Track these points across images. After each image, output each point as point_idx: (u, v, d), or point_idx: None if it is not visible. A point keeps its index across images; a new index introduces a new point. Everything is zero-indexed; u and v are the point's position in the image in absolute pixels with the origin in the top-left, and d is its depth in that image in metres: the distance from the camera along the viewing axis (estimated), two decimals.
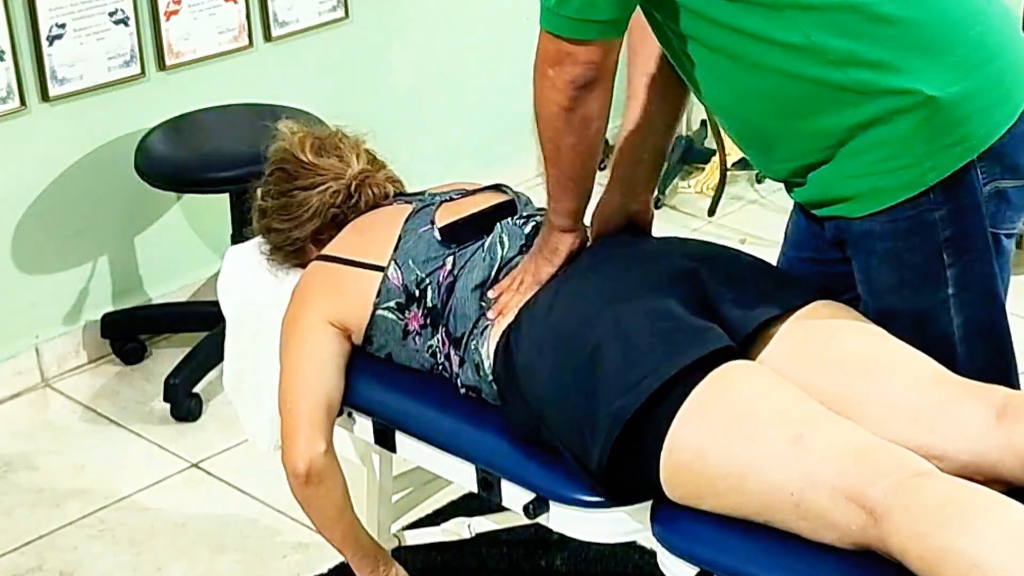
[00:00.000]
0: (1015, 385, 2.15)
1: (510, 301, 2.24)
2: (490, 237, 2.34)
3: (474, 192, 2.50)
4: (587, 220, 2.34)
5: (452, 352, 2.29)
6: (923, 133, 2.02)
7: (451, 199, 2.47)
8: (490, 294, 2.27)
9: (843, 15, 1.99)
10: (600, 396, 2.03)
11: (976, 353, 2.13)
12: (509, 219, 2.38)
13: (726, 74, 2.09)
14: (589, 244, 2.30)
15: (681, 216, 4.37)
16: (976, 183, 2.06)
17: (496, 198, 2.47)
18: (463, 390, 2.29)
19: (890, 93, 2.01)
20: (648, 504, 2.09)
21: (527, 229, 2.35)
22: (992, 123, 2.05)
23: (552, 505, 2.16)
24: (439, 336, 2.31)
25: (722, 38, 2.05)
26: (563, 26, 2.03)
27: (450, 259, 2.33)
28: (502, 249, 2.32)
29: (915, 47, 2.01)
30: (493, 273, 2.29)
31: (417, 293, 2.33)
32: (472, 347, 2.25)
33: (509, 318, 2.22)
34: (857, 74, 2.01)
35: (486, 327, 2.24)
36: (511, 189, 2.51)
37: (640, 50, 2.30)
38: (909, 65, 2.00)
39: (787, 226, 2.39)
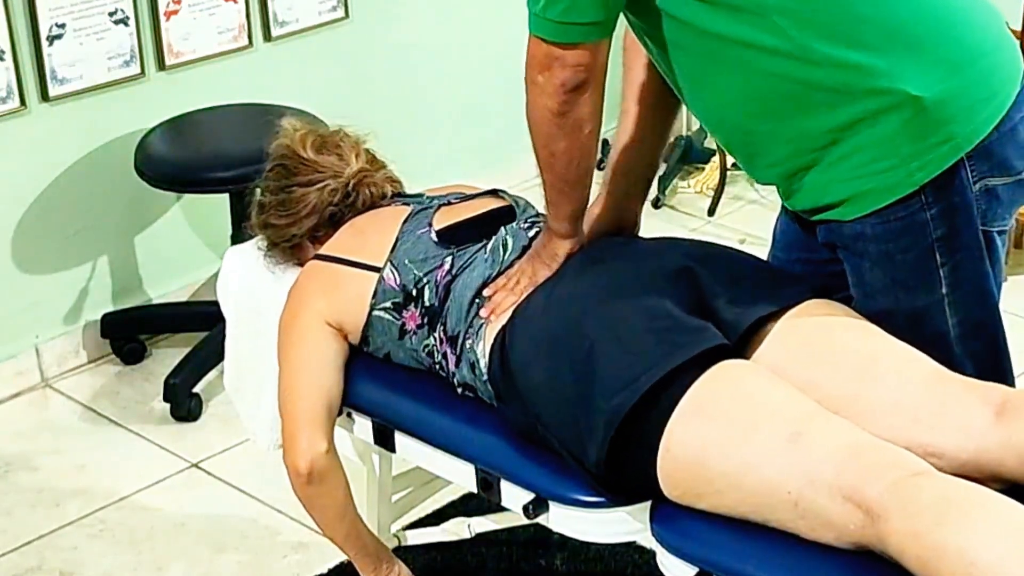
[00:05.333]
0: (1010, 382, 2.16)
1: (504, 300, 2.24)
2: (494, 239, 2.35)
3: (472, 196, 2.50)
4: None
5: (449, 351, 2.29)
6: (908, 133, 2.02)
7: (449, 203, 2.47)
8: (486, 292, 2.27)
9: (825, 16, 2.00)
10: (596, 394, 2.03)
11: (971, 351, 2.14)
12: (514, 223, 2.39)
13: (710, 79, 2.09)
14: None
15: (681, 216, 4.37)
16: (966, 182, 2.06)
17: (494, 203, 2.47)
18: (460, 389, 2.30)
19: (873, 93, 2.01)
20: (648, 504, 2.09)
21: (531, 233, 2.36)
22: (978, 121, 2.05)
23: (551, 505, 2.16)
24: (436, 335, 2.31)
25: (705, 43, 2.05)
26: (550, 30, 2.03)
27: (449, 259, 2.34)
28: (505, 251, 2.33)
29: (898, 47, 2.01)
30: (495, 273, 2.30)
31: (415, 292, 2.33)
32: (467, 346, 2.25)
33: (504, 318, 2.22)
34: (840, 75, 2.01)
35: (481, 326, 2.25)
36: (509, 194, 2.51)
37: (633, 65, 2.32)
38: (892, 65, 2.01)
39: (774, 228, 2.39)
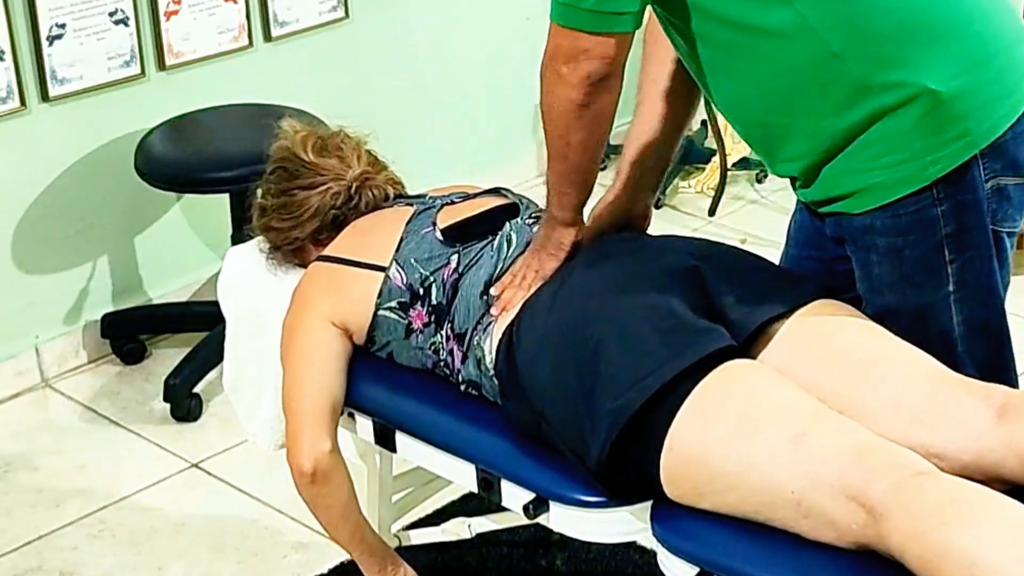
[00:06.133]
0: (1013, 383, 2.16)
1: (513, 297, 2.24)
2: (499, 235, 2.35)
3: (475, 195, 2.50)
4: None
5: (455, 348, 2.29)
6: (923, 128, 2.02)
7: (452, 202, 2.47)
8: (492, 291, 2.27)
9: (846, 8, 2.00)
10: (601, 393, 2.03)
11: (976, 351, 2.14)
12: (518, 218, 2.39)
13: (732, 70, 2.10)
14: (589, 241, 2.31)
15: (681, 216, 4.37)
16: (978, 180, 2.06)
17: (497, 201, 2.47)
18: (464, 386, 2.29)
19: (891, 87, 2.01)
20: (648, 504, 2.09)
21: (535, 228, 2.35)
22: (994, 119, 2.05)
23: (552, 505, 2.16)
24: (443, 333, 2.31)
25: (728, 33, 2.05)
26: (580, 19, 2.03)
27: (455, 257, 2.34)
28: (509, 247, 2.33)
29: (917, 39, 2.02)
30: (500, 269, 2.30)
31: (422, 291, 2.33)
32: (475, 343, 2.25)
33: (512, 314, 2.22)
34: (859, 67, 2.01)
35: (490, 323, 2.25)
36: (512, 192, 2.51)
37: (651, 57, 2.32)
38: (911, 59, 2.01)
39: (789, 224, 2.39)
